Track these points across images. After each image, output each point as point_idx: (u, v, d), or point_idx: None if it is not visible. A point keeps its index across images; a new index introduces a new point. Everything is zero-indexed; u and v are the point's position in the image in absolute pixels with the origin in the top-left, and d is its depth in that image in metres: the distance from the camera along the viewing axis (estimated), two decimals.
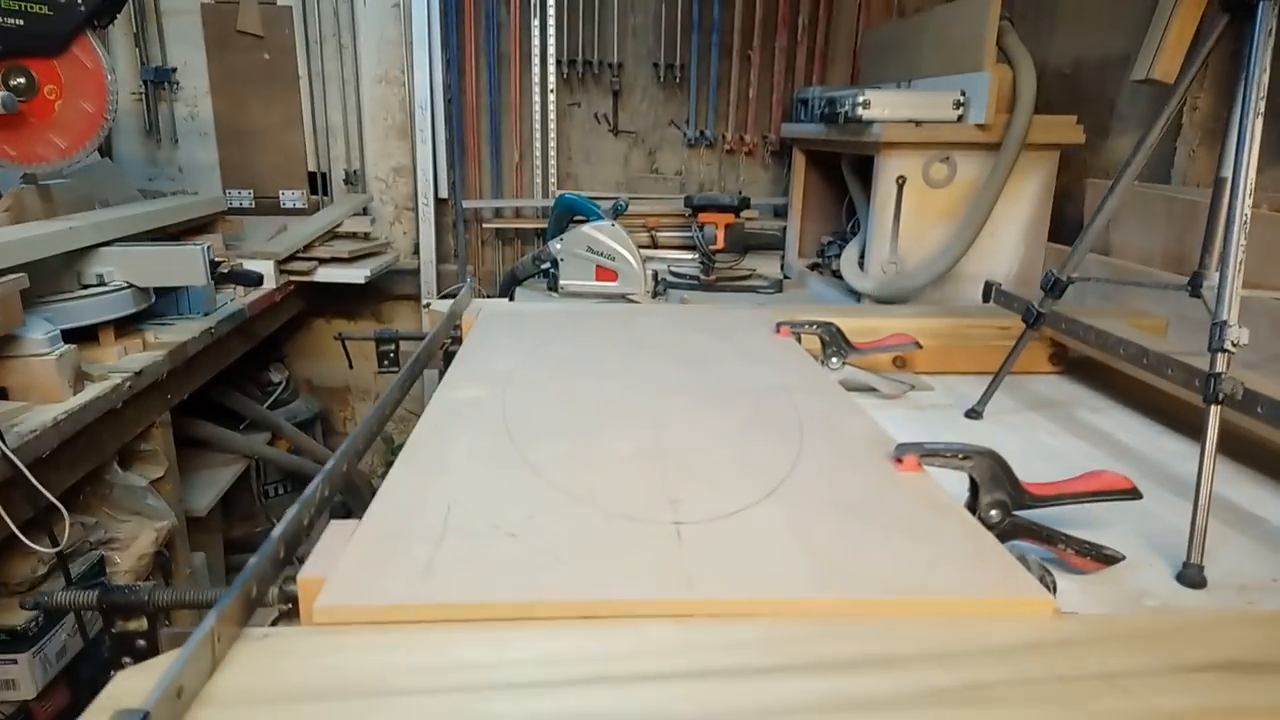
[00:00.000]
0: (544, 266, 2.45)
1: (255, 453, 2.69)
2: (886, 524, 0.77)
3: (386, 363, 1.62)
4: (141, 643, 0.73)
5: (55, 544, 1.30)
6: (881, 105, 2.12)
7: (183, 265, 1.82)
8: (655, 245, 3.01)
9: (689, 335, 1.47)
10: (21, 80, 1.73)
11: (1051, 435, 1.32)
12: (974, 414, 1.39)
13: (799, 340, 1.48)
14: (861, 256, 2.37)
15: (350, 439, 0.92)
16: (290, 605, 0.71)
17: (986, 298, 1.75)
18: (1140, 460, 1.22)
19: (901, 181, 2.18)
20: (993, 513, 0.87)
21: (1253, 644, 0.58)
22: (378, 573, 0.68)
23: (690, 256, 2.88)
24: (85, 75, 1.77)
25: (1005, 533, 0.87)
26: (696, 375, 1.24)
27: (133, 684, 0.54)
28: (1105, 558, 0.87)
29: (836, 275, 2.50)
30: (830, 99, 2.33)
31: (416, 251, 3.28)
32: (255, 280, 2.13)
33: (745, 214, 2.80)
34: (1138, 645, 0.58)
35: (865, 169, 2.35)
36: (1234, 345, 0.93)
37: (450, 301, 1.63)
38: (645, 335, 1.47)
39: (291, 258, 2.68)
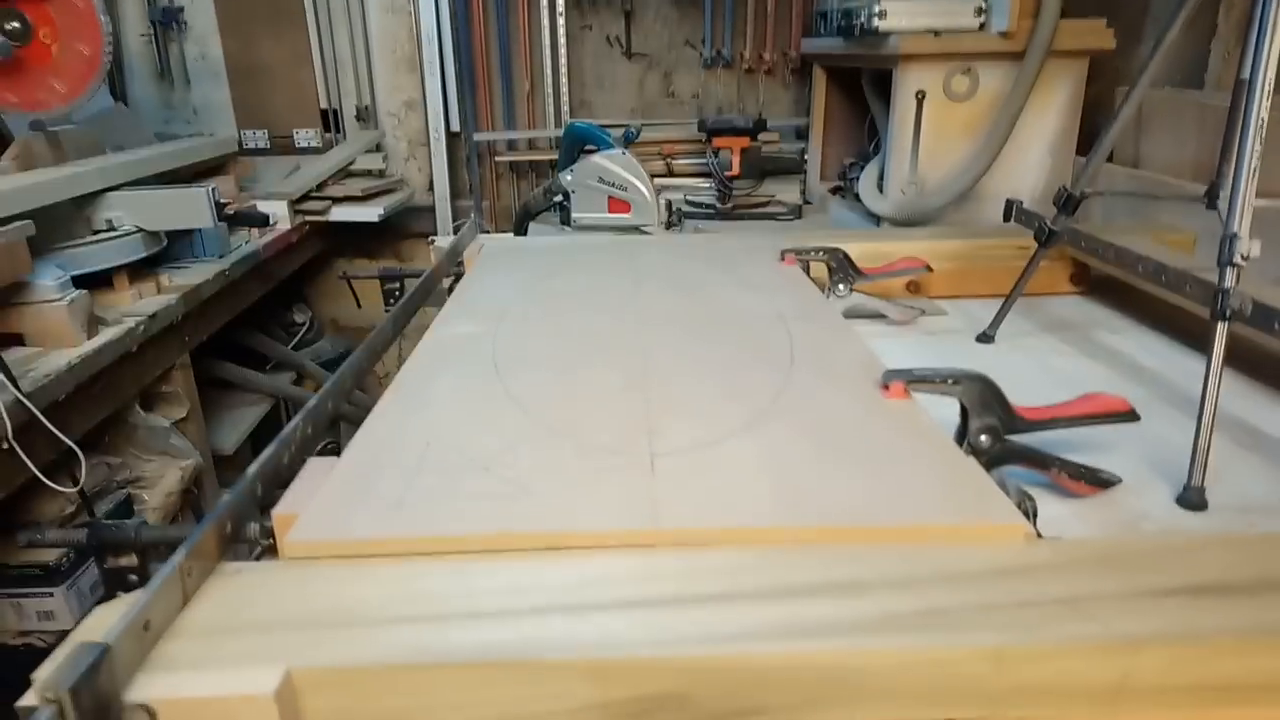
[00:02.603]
0: (556, 200, 2.41)
1: (280, 392, 2.74)
2: (864, 452, 0.76)
3: (393, 300, 1.62)
4: (134, 577, 0.76)
5: (76, 483, 1.35)
6: (899, 15, 2.03)
7: (188, 207, 1.83)
8: (671, 174, 2.93)
9: (692, 266, 1.44)
10: (16, 24, 1.71)
11: (1066, 358, 1.28)
12: (985, 338, 1.35)
13: (807, 269, 1.45)
14: (881, 178, 2.29)
15: (336, 376, 0.93)
16: (272, 541, 0.72)
17: (1007, 217, 1.68)
18: (1156, 382, 1.18)
19: (921, 96, 2.09)
20: (982, 438, 0.85)
21: (1225, 566, 0.56)
22: (350, 508, 0.69)
23: (707, 184, 2.81)
24: (78, 17, 1.75)
25: (996, 458, 0.85)
26: (692, 306, 1.22)
27: (107, 620, 0.55)
28: (1100, 481, 0.85)
29: (859, 199, 2.43)
30: (847, 10, 2.23)
31: (431, 188, 3.25)
32: (262, 221, 2.13)
33: (763, 137, 2.71)
34: (1107, 570, 0.57)
35: (886, 85, 2.26)
36: (1244, 259, 0.88)
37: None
38: (647, 268, 1.45)
39: (305, 198, 2.68)
